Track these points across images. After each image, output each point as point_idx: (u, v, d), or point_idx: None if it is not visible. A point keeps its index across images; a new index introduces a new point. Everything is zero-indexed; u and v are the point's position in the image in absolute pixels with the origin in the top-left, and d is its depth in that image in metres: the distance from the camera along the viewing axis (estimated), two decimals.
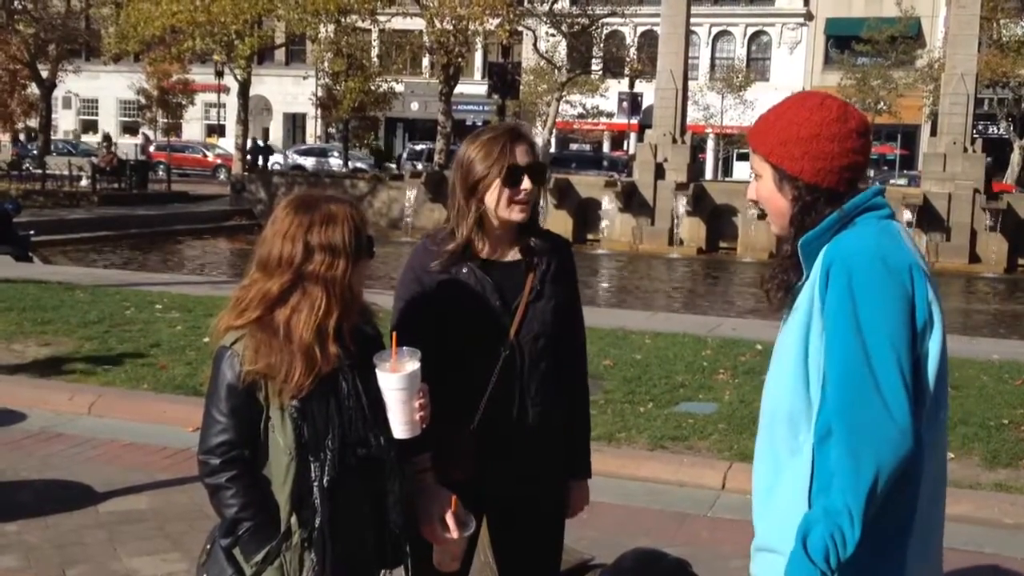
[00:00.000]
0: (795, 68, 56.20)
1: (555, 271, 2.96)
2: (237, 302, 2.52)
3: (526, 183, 2.84)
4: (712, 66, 56.04)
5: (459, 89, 38.92)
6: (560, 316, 2.95)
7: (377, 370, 2.52)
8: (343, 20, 33.89)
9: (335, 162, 44.10)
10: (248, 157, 34.41)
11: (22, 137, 46.70)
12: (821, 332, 2.23)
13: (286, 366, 2.41)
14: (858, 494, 2.09)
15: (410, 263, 2.94)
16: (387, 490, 2.56)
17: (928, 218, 24.65)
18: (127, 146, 47.50)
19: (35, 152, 39.64)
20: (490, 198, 2.85)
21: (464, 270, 2.87)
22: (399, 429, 2.55)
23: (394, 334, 2.60)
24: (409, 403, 2.53)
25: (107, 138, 37.26)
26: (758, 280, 2.46)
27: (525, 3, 39.94)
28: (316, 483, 2.44)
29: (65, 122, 62.90)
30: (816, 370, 2.24)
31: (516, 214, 2.86)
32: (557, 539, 3.11)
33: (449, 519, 2.67)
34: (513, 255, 2.94)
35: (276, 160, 46.06)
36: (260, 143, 39.42)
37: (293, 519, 2.44)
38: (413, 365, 2.53)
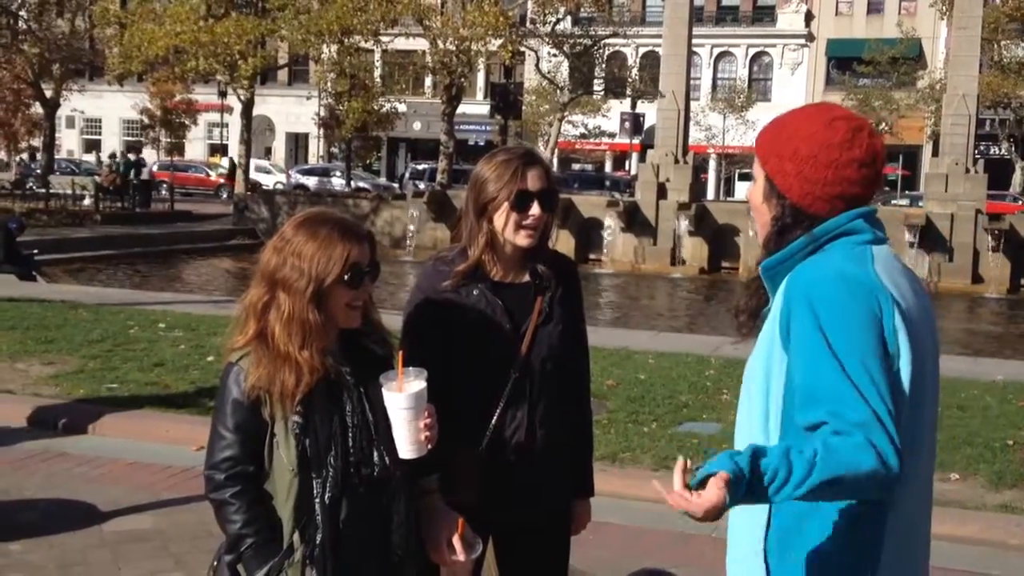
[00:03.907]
0: (796, 89, 56.42)
1: (563, 294, 2.96)
2: (238, 318, 2.55)
3: (535, 209, 2.82)
4: (714, 86, 56.30)
5: (461, 109, 39.08)
6: (567, 339, 2.95)
7: (383, 389, 2.51)
8: (346, 41, 34.07)
9: (337, 182, 44.18)
10: (117, 171, 34.08)
11: (25, 156, 46.82)
12: (780, 363, 2.07)
13: (279, 377, 2.43)
14: (826, 472, 1.87)
15: (419, 284, 2.94)
16: (392, 511, 2.55)
17: (931, 239, 24.66)
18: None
19: (39, 171, 39.75)
20: (499, 220, 2.84)
21: (475, 292, 2.86)
22: (404, 449, 2.53)
23: (401, 353, 2.59)
24: (415, 423, 2.52)
25: (112, 156, 37.38)
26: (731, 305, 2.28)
27: (528, 24, 40.15)
28: (318, 500, 2.44)
29: (69, 141, 63.12)
30: (776, 406, 2.10)
31: (523, 239, 2.84)
32: (563, 560, 3.10)
33: (457, 542, 2.65)
34: (522, 277, 2.93)
35: (279, 180, 46.15)
36: (131, 157, 39.11)
37: (295, 536, 2.44)
38: (419, 385, 2.52)
